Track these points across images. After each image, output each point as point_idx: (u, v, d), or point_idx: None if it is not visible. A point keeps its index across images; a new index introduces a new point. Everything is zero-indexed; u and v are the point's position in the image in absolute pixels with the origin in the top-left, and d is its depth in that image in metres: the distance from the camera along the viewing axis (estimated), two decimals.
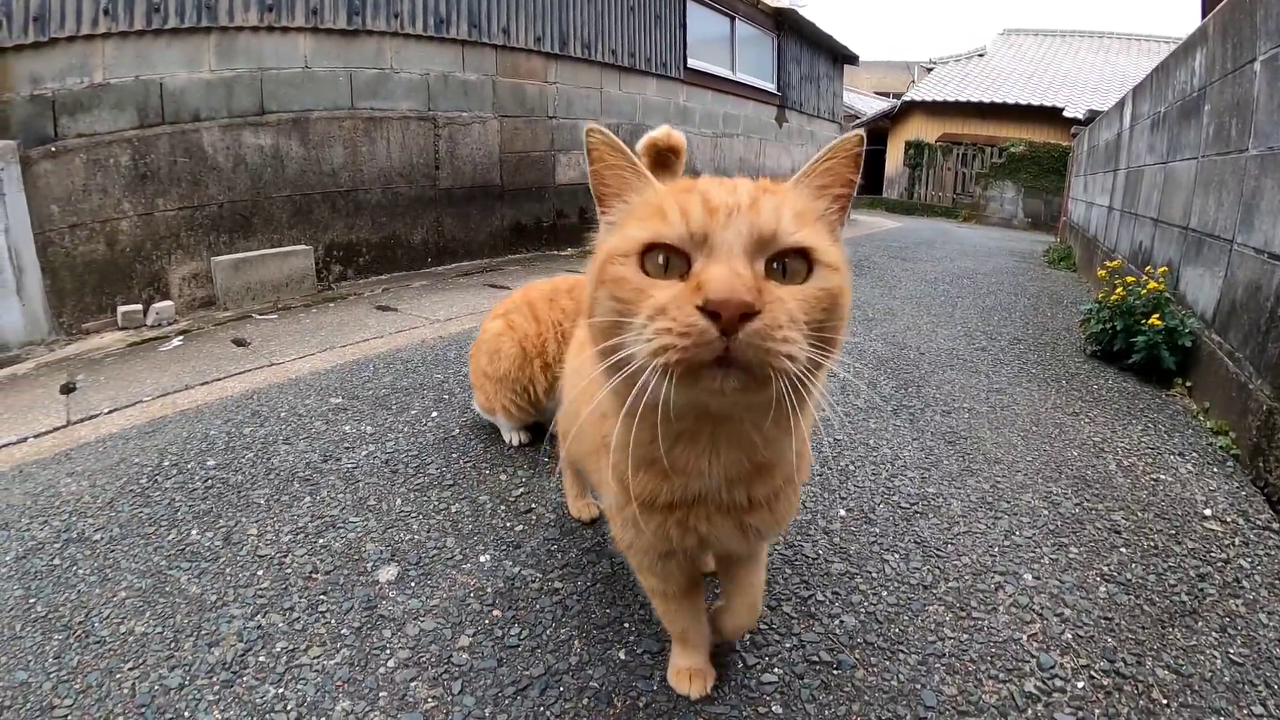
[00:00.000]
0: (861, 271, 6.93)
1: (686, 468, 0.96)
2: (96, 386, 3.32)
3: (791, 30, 12.17)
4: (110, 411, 2.97)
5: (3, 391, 3.37)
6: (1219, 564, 1.88)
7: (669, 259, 0.77)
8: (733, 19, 10.52)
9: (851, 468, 2.44)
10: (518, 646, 1.52)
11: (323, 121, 5.45)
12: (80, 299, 4.42)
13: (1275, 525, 2.08)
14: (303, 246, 5.30)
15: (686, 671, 1.38)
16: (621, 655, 1.49)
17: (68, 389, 3.32)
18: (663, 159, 1.59)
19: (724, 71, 10.31)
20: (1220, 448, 2.66)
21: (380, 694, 1.37)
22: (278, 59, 5.18)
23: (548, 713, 1.32)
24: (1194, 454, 2.61)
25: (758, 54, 11.54)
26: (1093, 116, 9.88)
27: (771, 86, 11.87)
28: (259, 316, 4.64)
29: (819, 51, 13.60)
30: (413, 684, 1.40)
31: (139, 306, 4.51)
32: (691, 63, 9.35)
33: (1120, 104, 7.12)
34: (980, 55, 19.89)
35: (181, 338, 4.16)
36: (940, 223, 15.65)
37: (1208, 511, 2.17)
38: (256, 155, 5.11)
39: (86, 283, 4.44)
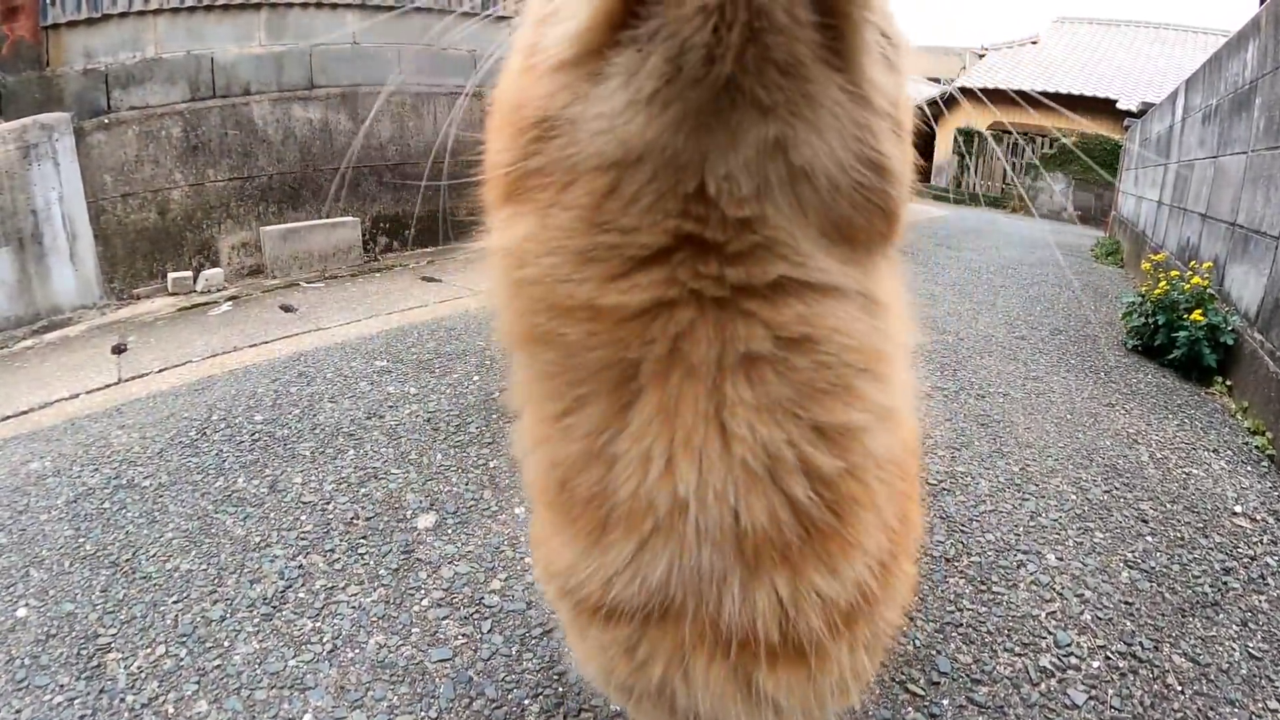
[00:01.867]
0: (905, 258, 6.85)
1: (646, 486, 0.50)
2: (147, 347, 3.45)
3: None
4: (161, 370, 3.09)
5: (55, 352, 3.52)
6: (1245, 560, 1.87)
7: None
8: None
9: None
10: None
11: (371, 96, 5.53)
12: (131, 265, 4.58)
13: None
14: (350, 218, 5.42)
15: None
16: None
17: (119, 349, 3.45)
18: None
19: None
20: (1256, 447, 2.62)
21: (413, 630, 1.45)
22: (327, 34, 5.28)
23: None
24: (1229, 451, 2.57)
25: None
26: (1146, 109, 9.64)
27: None
28: (306, 285, 4.76)
29: None
30: (444, 622, 1.47)
31: (189, 273, 4.65)
32: None
33: (1172, 96, 6.94)
34: (1033, 43, 19.44)
35: (230, 303, 4.29)
36: (988, 212, 15.39)
37: (1238, 508, 2.15)
38: (305, 128, 5.23)
39: (138, 249, 4.59)
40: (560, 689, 1.31)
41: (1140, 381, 3.35)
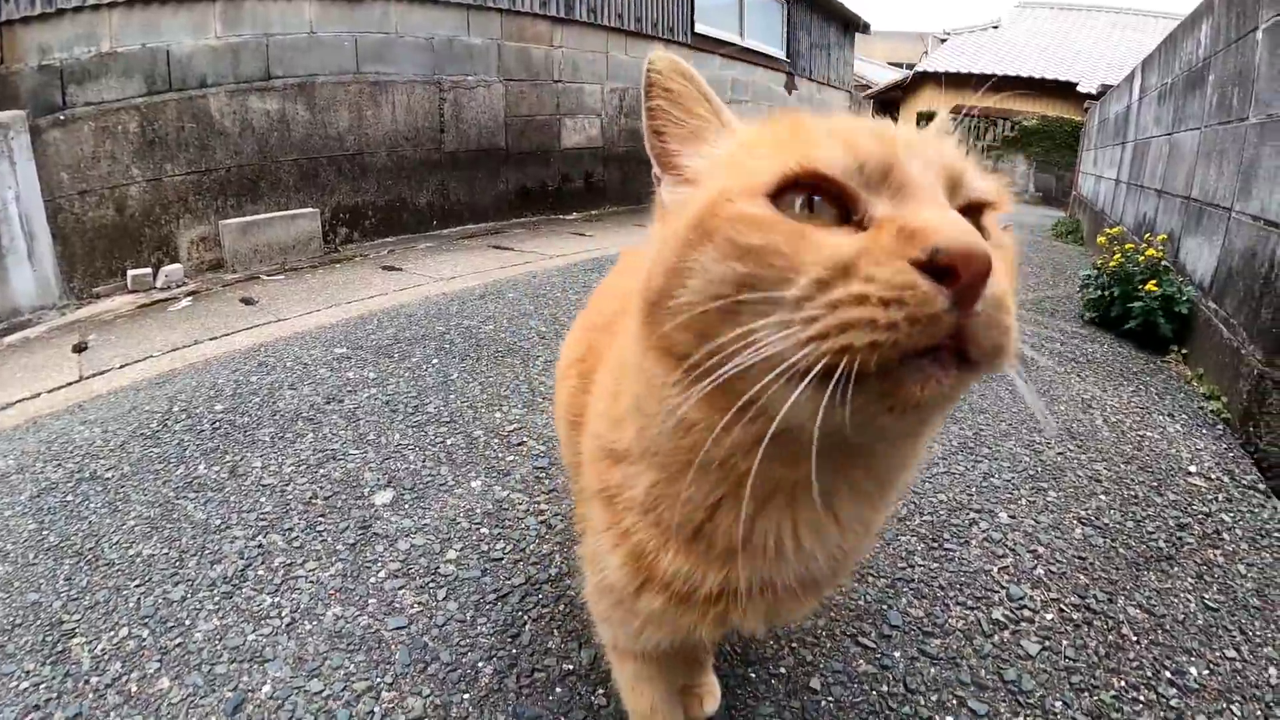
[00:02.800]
0: None
1: (766, 546, 0.65)
2: (107, 345, 3.41)
3: None
4: (121, 366, 3.06)
5: (16, 353, 3.46)
6: (1200, 516, 1.90)
7: (817, 205, 0.51)
8: None
9: None
10: (501, 559, 1.60)
11: (328, 86, 5.47)
12: (90, 264, 4.50)
13: (1262, 485, 2.09)
14: (309, 209, 5.36)
15: None
16: None
17: (79, 348, 3.40)
18: None
19: (732, 37, 10.15)
20: (1211, 411, 2.67)
21: (370, 600, 1.46)
22: (283, 24, 5.20)
23: (525, 617, 1.40)
24: (1184, 416, 2.63)
25: (767, 20, 11.34)
26: (1105, 91, 9.78)
27: (781, 53, 11.63)
28: (266, 277, 4.71)
29: (830, 18, 13.39)
30: (400, 592, 1.48)
31: (148, 270, 4.59)
32: (699, 28, 9.22)
33: (1130, 77, 7.06)
34: (995, 27, 19.64)
35: (190, 299, 4.24)
36: None
37: (1193, 468, 2.19)
38: (263, 120, 5.16)
39: (96, 248, 4.52)
40: (514, 651, 1.33)
41: (1096, 351, 3.41)
